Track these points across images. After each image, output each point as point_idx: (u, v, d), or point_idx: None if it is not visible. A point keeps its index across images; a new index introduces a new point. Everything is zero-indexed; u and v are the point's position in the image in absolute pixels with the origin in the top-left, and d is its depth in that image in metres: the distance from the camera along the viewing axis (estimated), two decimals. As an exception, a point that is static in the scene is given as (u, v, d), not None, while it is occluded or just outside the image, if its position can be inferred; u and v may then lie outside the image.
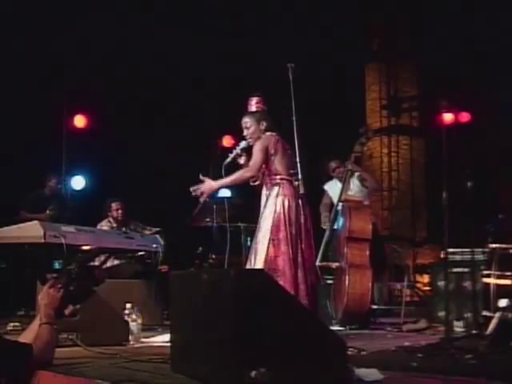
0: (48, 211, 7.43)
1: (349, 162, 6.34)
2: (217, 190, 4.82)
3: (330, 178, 6.73)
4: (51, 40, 8.89)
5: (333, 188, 6.60)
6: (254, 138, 4.75)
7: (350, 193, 6.34)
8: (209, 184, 4.64)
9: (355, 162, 6.42)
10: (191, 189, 4.64)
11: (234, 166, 4.83)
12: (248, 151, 4.80)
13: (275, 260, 4.50)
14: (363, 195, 6.45)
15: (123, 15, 9.42)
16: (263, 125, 4.74)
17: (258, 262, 4.54)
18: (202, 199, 4.70)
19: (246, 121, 4.79)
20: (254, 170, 4.65)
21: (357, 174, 6.48)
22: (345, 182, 6.32)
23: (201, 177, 4.66)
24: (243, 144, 4.82)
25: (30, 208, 7.41)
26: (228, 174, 4.71)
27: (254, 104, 4.86)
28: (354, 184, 6.45)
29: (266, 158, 4.66)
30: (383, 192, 11.70)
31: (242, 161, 4.84)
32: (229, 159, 4.81)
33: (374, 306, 6.31)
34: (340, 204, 6.23)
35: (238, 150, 4.82)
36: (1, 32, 8.24)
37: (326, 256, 6.14)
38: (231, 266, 5.51)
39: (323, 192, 6.77)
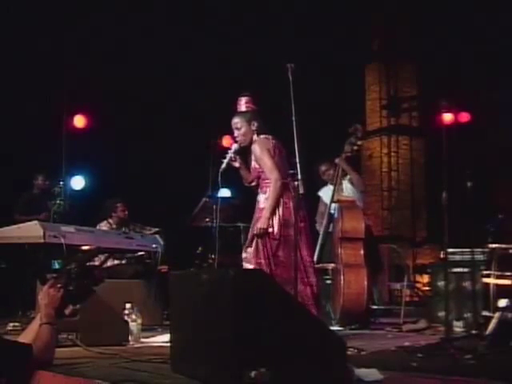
0: (58, 201, 7.36)
1: (339, 158, 6.31)
2: (268, 220, 4.49)
3: (325, 183, 6.70)
4: (51, 40, 8.89)
5: (327, 193, 6.53)
6: (245, 138, 4.66)
7: (344, 194, 6.32)
8: (261, 227, 4.46)
9: (346, 161, 6.39)
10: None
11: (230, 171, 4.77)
12: (241, 153, 4.74)
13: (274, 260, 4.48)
14: (357, 198, 6.41)
15: (123, 15, 9.42)
16: (254, 125, 4.65)
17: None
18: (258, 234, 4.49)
19: (237, 121, 4.68)
20: (276, 172, 4.51)
21: (348, 176, 6.44)
22: (336, 182, 6.28)
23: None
24: (235, 147, 4.72)
25: (24, 211, 7.40)
26: (224, 179, 4.65)
27: (243, 104, 4.75)
28: (347, 187, 6.41)
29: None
30: (383, 192, 11.73)
31: (237, 164, 4.74)
32: (224, 165, 4.70)
33: (374, 306, 6.32)
34: (333, 205, 6.21)
35: (231, 154, 4.70)
36: (1, 32, 8.24)
37: (321, 258, 6.14)
38: (224, 265, 5.51)
39: (319, 198, 6.74)
